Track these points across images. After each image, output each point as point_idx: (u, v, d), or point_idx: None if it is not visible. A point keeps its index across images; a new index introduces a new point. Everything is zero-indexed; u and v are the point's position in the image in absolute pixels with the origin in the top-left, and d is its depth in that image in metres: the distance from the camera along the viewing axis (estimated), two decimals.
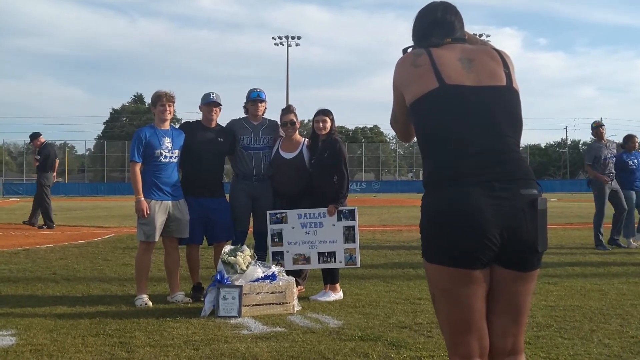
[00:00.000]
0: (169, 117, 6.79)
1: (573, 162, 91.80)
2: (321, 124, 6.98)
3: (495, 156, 2.56)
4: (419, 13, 2.96)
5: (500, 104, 2.64)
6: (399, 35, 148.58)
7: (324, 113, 7.04)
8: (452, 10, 2.90)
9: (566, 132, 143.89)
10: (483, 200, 2.48)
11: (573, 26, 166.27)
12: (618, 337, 5.16)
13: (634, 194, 11.66)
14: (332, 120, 7.04)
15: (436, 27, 2.86)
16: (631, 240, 11.53)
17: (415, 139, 2.92)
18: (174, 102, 6.81)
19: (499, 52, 2.80)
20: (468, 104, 2.60)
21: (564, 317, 5.88)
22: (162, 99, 6.72)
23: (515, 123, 2.67)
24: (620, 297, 6.86)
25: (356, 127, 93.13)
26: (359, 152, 78.24)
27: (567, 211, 23.27)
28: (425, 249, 2.66)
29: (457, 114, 2.59)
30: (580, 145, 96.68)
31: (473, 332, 2.59)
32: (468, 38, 2.89)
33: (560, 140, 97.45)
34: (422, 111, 2.67)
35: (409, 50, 2.91)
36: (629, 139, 12.04)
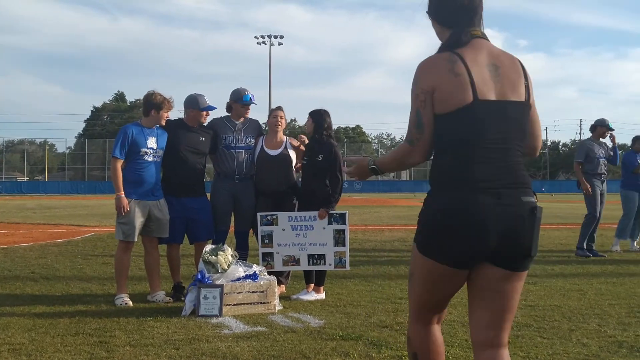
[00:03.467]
0: (163, 124, 6.81)
1: (553, 163, 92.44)
2: (306, 122, 7.07)
3: (503, 166, 2.68)
4: None
5: (516, 119, 2.74)
6: (381, 35, 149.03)
7: (309, 113, 7.07)
8: None
9: (546, 133, 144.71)
10: (489, 207, 2.61)
11: (553, 28, 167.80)
12: (596, 337, 5.20)
13: (637, 195, 11.28)
14: (315, 121, 6.99)
15: (460, 10, 2.80)
16: (619, 243, 11.22)
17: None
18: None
19: (520, 62, 2.84)
20: (491, 119, 2.67)
21: (544, 317, 5.92)
22: (165, 107, 6.69)
23: (525, 136, 2.79)
24: (599, 297, 6.93)
25: (338, 127, 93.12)
26: (341, 152, 78.05)
27: (546, 212, 23.24)
28: (422, 242, 2.77)
29: (479, 126, 2.67)
30: (560, 147, 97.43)
31: (438, 309, 2.91)
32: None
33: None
34: (451, 122, 2.69)
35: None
36: (638, 140, 11.64)
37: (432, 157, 2.84)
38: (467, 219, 2.61)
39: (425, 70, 2.74)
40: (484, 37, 2.83)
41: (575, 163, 10.93)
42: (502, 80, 2.72)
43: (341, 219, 6.89)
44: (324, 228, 6.85)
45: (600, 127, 10.96)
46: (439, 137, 2.75)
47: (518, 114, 2.74)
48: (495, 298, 2.74)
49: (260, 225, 6.95)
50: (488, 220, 2.59)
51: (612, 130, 11.02)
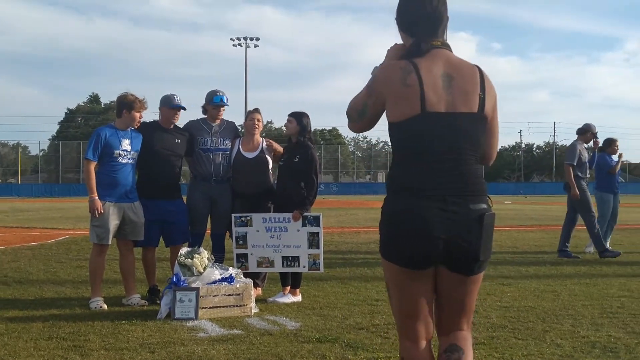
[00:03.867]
0: (137, 125, 6.74)
1: (527, 165, 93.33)
2: (287, 124, 7.04)
3: (453, 174, 2.77)
4: None
5: (467, 131, 2.80)
6: (357, 37, 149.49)
7: (291, 115, 7.05)
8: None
9: (520, 135, 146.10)
10: (434, 212, 2.72)
11: (527, 32, 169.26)
12: (570, 337, 5.26)
13: (612, 197, 11.33)
14: (300, 124, 6.99)
15: (422, 19, 2.88)
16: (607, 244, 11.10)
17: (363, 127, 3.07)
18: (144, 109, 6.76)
19: (480, 72, 2.87)
20: (440, 130, 2.76)
21: (518, 318, 5.97)
22: (136, 106, 6.62)
23: (478, 146, 2.86)
24: (572, 297, 7.00)
25: (315, 129, 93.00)
26: (317, 154, 78.22)
27: (520, 214, 23.65)
28: (382, 247, 2.92)
29: (428, 137, 2.77)
30: (534, 149, 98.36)
31: (420, 319, 2.89)
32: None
33: (514, 143, 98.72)
34: (400, 131, 2.83)
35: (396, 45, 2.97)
36: (612, 142, 11.61)
37: (390, 166, 2.99)
38: (412, 221, 2.74)
39: (381, 76, 2.88)
40: (445, 47, 2.89)
41: (567, 165, 10.75)
42: (454, 92, 2.78)
43: (315, 221, 6.90)
44: (298, 230, 6.85)
45: (591, 133, 11.01)
46: (394, 147, 2.91)
47: (468, 125, 2.80)
48: (453, 300, 2.91)
49: (235, 227, 6.94)
50: (432, 224, 2.71)
51: (597, 137, 11.12)
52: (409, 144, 2.82)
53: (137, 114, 6.65)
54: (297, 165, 6.85)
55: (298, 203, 6.81)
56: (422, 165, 2.78)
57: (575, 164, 10.68)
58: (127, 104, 6.63)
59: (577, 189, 10.54)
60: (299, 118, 6.99)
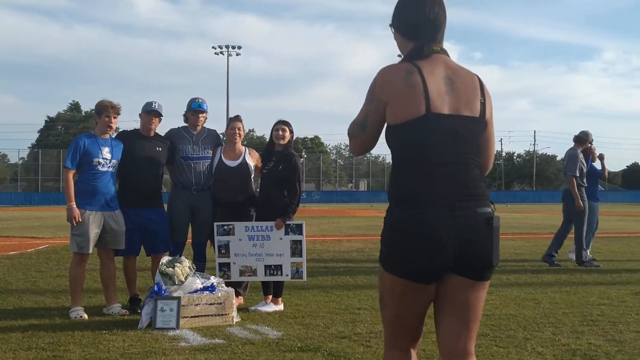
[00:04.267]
0: (113, 129, 6.69)
1: (508, 174, 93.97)
2: (280, 133, 6.95)
3: (458, 179, 2.69)
4: (405, 1, 2.91)
5: (470, 134, 2.76)
6: (339, 46, 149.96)
7: (284, 123, 7.02)
8: (441, 5, 2.87)
9: (501, 144, 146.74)
10: (444, 220, 2.62)
11: (507, 41, 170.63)
12: (551, 345, 5.29)
13: (597, 205, 11.36)
14: (291, 132, 7.02)
15: (423, 25, 2.83)
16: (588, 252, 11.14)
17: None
18: (119, 114, 6.70)
19: (479, 79, 2.86)
20: (443, 133, 2.70)
21: (499, 326, 6.00)
22: (107, 110, 6.60)
23: (479, 151, 2.82)
24: (553, 305, 7.05)
25: (297, 138, 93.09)
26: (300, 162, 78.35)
27: (502, 222, 23.51)
28: (385, 259, 2.77)
29: (432, 140, 2.69)
30: (515, 157, 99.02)
31: (412, 332, 2.83)
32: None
33: (495, 152, 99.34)
34: (404, 134, 2.73)
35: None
36: (590, 150, 11.39)
37: (390, 173, 2.86)
38: (421, 230, 2.63)
39: (382, 78, 2.78)
40: (444, 53, 2.86)
41: (570, 176, 10.66)
42: (457, 95, 2.74)
43: (298, 229, 6.89)
44: (281, 238, 6.84)
45: (589, 143, 10.99)
46: (394, 152, 2.79)
47: (471, 130, 2.76)
48: (461, 307, 2.77)
49: (217, 235, 6.92)
50: (442, 232, 2.61)
51: (592, 144, 11.12)
52: (411, 148, 2.72)
53: (107, 119, 6.60)
54: (280, 173, 6.84)
55: (281, 211, 6.80)
56: (426, 170, 2.69)
57: (577, 174, 10.62)
58: (98, 109, 6.67)
59: (580, 201, 10.54)
60: (290, 127, 7.00)
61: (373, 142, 2.90)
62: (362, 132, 2.86)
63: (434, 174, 2.68)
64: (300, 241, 6.86)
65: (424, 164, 2.69)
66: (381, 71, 2.80)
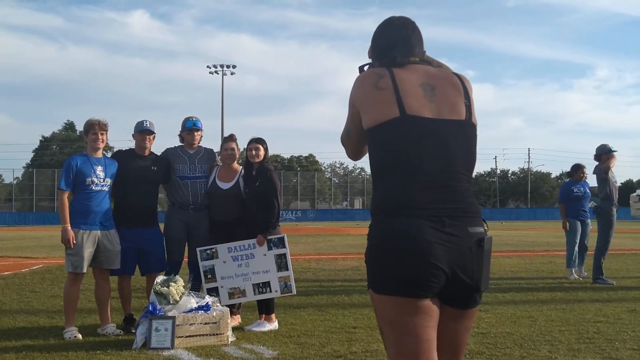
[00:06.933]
0: (101, 145, 6.68)
1: (503, 191, 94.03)
2: (254, 152, 6.97)
3: (447, 192, 2.53)
4: (379, 28, 2.88)
5: (457, 139, 2.60)
6: (332, 65, 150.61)
7: (256, 141, 7.04)
8: (412, 26, 2.85)
9: (495, 162, 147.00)
10: (432, 233, 2.43)
11: (501, 59, 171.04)
12: None
13: (579, 224, 11.44)
14: (266, 149, 7.04)
15: (398, 43, 2.79)
16: (573, 272, 11.26)
17: (363, 157, 2.94)
18: (106, 131, 6.70)
19: (460, 78, 2.75)
20: (426, 137, 2.56)
21: (495, 344, 5.98)
22: (94, 128, 6.61)
23: (469, 159, 2.65)
24: (549, 323, 7.03)
25: (291, 156, 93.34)
26: (294, 180, 78.37)
27: (497, 239, 23.67)
28: (372, 280, 2.57)
29: (414, 146, 2.55)
30: (510, 175, 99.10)
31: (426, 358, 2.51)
32: (426, 58, 2.86)
33: (490, 169, 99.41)
34: (379, 138, 2.60)
35: (366, 67, 2.85)
36: (579, 168, 11.72)
37: (372, 187, 2.74)
38: (409, 239, 2.43)
39: (354, 84, 2.75)
40: (426, 63, 2.80)
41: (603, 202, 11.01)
42: (438, 100, 2.62)
43: (280, 242, 6.87)
44: (265, 255, 6.82)
45: (606, 155, 11.03)
46: (372, 163, 2.67)
47: (459, 134, 2.61)
48: (448, 338, 2.60)
49: (201, 261, 6.89)
50: (429, 243, 2.42)
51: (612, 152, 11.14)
52: (389, 154, 2.57)
53: (94, 136, 6.61)
54: (258, 189, 6.85)
55: (261, 227, 6.79)
56: (412, 180, 2.51)
57: (615, 200, 11.01)
58: (85, 129, 6.72)
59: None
60: (264, 144, 7.02)
61: (359, 148, 2.88)
62: (347, 139, 2.88)
63: (420, 183, 2.51)
64: (285, 254, 6.83)
65: (405, 172, 2.53)
66: (355, 79, 2.77)
